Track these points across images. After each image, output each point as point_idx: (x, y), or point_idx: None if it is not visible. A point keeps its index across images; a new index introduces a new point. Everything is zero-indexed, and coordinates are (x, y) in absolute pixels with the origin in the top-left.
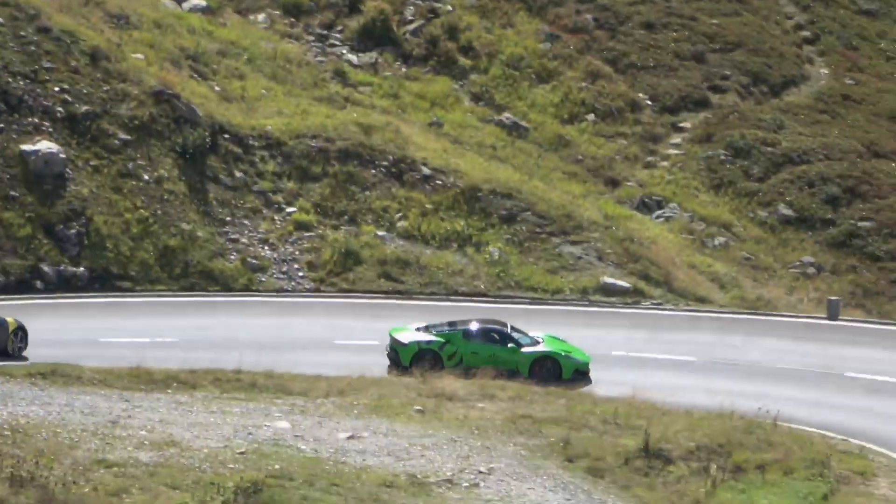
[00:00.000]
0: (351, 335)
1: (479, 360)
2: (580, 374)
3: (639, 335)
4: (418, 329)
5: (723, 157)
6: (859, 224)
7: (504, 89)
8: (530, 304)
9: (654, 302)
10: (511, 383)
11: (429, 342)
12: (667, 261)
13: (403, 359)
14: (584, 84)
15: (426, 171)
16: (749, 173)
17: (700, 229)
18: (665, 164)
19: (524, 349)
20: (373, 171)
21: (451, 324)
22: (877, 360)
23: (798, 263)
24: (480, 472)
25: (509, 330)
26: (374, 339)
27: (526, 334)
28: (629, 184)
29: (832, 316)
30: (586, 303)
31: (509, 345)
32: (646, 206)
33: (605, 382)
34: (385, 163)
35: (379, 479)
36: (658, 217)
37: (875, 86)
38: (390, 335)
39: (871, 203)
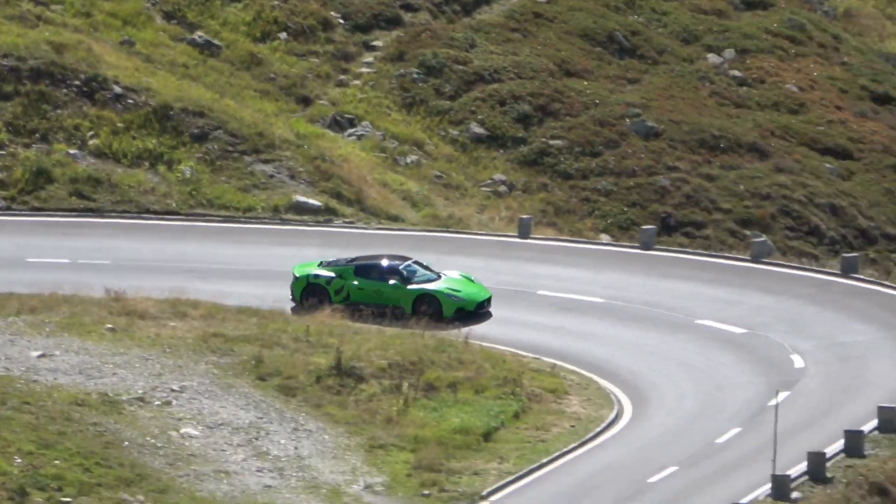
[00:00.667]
0: (42, 253)
1: (364, 296)
2: (466, 313)
3: (331, 253)
4: (321, 263)
5: (415, 76)
6: (550, 142)
7: (196, 8)
8: (223, 222)
9: (346, 220)
10: (204, 301)
11: (317, 276)
12: (359, 179)
13: (294, 293)
14: (276, 3)
15: (118, 89)
16: (441, 92)
17: (392, 148)
18: (357, 82)
19: (411, 286)
20: (64, 89)
21: (351, 259)
22: (568, 279)
23: (490, 182)
24: (172, 391)
25: (412, 265)
26: (65, 258)
27: (430, 270)
28: (321, 102)
29: (524, 234)
30: (278, 221)
31: (392, 281)
32: (338, 125)
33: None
34: (77, 82)
35: (70, 398)
36: (350, 135)
37: (567, 4)
38: (292, 270)
39: (562, 121)
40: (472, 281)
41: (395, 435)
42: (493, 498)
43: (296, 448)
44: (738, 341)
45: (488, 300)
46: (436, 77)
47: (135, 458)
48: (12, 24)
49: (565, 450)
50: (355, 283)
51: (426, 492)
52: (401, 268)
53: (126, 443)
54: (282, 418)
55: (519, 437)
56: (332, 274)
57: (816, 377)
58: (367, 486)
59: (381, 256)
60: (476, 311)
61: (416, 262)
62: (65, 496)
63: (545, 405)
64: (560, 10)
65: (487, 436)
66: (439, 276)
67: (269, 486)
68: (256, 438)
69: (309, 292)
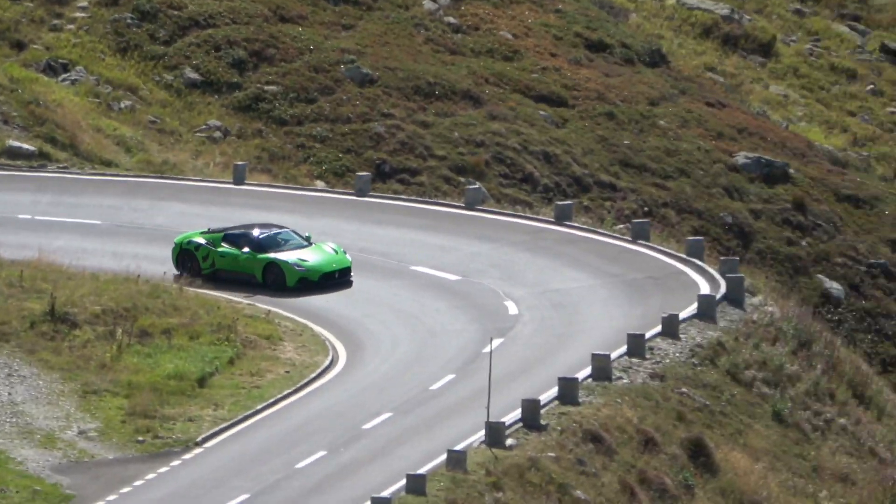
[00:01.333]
0: None
1: (225, 264)
2: (311, 283)
3: (44, 198)
4: (204, 232)
5: (129, 21)
6: (265, 88)
7: None
8: None
9: (60, 166)
10: None
11: (189, 243)
12: (73, 124)
13: (173, 259)
14: None
15: None
16: (155, 37)
17: (106, 93)
18: (71, 27)
19: (262, 254)
20: None
21: (228, 227)
22: (282, 223)
23: (204, 127)
24: None
25: (281, 233)
26: None
27: (303, 240)
28: (35, 47)
29: (238, 180)
30: None
31: (245, 249)
32: (52, 70)
33: (9, 246)
34: None
35: None
36: (64, 80)
37: None
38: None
39: (277, 67)
40: (337, 253)
41: (108, 381)
42: (208, 444)
43: (9, 394)
44: (452, 288)
45: (342, 271)
46: (150, 22)
47: None
48: None
49: (280, 396)
50: (220, 251)
51: (140, 438)
52: (259, 236)
53: None
54: None
55: (234, 382)
56: (203, 241)
57: (530, 324)
58: (82, 432)
59: (253, 225)
60: (322, 282)
61: (292, 232)
62: None
63: (260, 351)
64: None
65: (202, 382)
66: (308, 245)
67: None
68: None
69: (183, 260)
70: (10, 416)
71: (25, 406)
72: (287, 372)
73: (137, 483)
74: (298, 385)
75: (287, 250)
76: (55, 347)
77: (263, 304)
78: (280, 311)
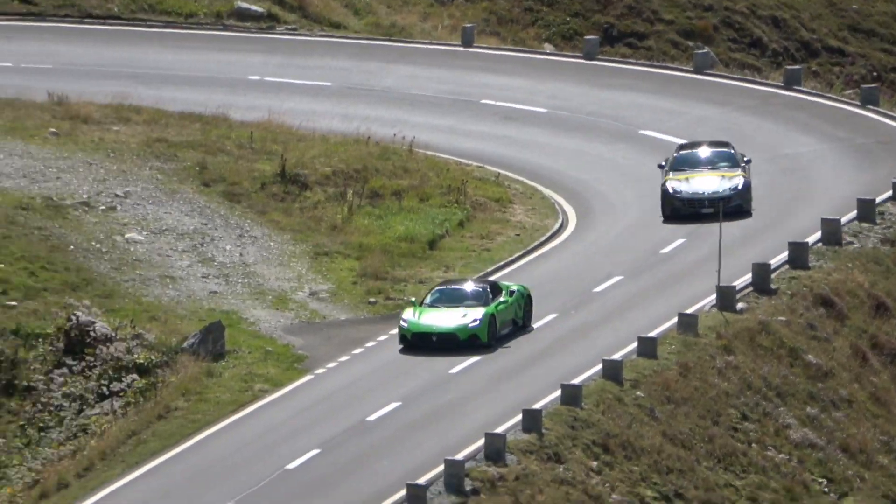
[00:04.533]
0: None
1: None
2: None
3: (274, 60)
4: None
5: None
6: None
7: None
8: (165, 27)
9: (289, 27)
10: (147, 107)
11: None
12: None
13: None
14: None
15: None
16: None
17: None
18: None
19: None
20: None
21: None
22: (511, 88)
23: None
24: (117, 196)
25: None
26: (7, 62)
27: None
28: None
29: (467, 43)
30: (221, 27)
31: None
32: None
33: (239, 108)
34: None
35: (14, 201)
36: None
37: None
38: None
39: None
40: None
41: (339, 242)
42: None
43: (241, 255)
44: None
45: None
46: None
47: (80, 263)
48: None
49: (510, 259)
50: None
51: (371, 299)
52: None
53: (71, 247)
54: (227, 225)
55: (464, 245)
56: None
57: (760, 189)
58: (313, 293)
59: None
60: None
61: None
62: (10, 300)
63: (489, 214)
64: None
65: (432, 244)
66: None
67: (215, 292)
68: (201, 244)
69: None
70: (242, 277)
71: (257, 267)
72: (517, 235)
73: (369, 344)
74: (528, 248)
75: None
76: (286, 209)
77: (492, 166)
78: (509, 174)
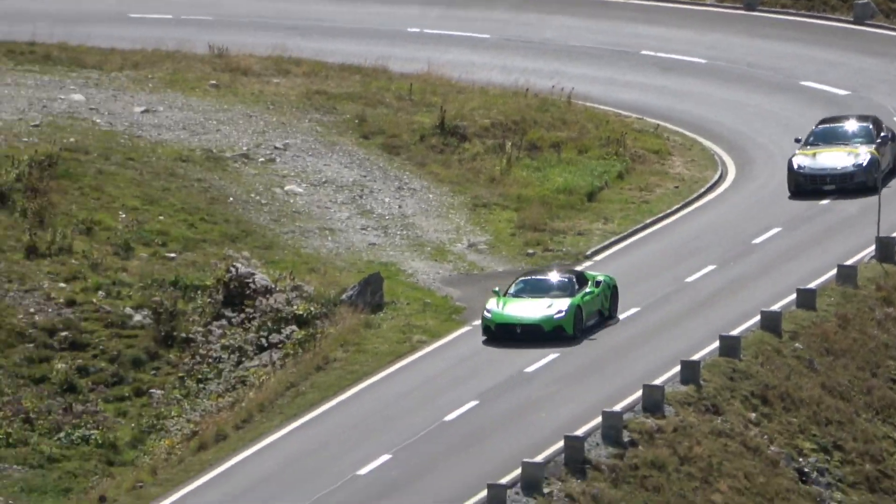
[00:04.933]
0: (145, 9)
1: None
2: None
3: (433, 13)
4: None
5: None
6: None
7: None
8: None
9: None
10: (307, 58)
11: None
12: None
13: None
14: None
15: None
16: None
17: None
18: None
19: None
20: None
21: None
22: (670, 39)
23: None
24: (276, 148)
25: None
26: (167, 13)
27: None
28: None
29: None
30: None
31: None
32: None
33: (399, 59)
34: None
35: (174, 154)
36: None
37: None
38: None
39: None
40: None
41: (498, 194)
42: (597, 258)
43: (400, 206)
44: (841, 102)
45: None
46: None
47: (239, 215)
48: None
49: (669, 210)
50: None
51: (530, 251)
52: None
53: (230, 199)
54: (385, 177)
55: (622, 197)
56: None
57: None
58: (471, 245)
59: None
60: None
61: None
62: (169, 252)
63: (649, 166)
64: None
65: (591, 196)
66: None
67: (374, 244)
68: (360, 196)
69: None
70: (401, 229)
71: (416, 219)
72: (676, 187)
73: None
74: (687, 200)
75: None
76: (445, 161)
77: (651, 118)
78: (668, 126)
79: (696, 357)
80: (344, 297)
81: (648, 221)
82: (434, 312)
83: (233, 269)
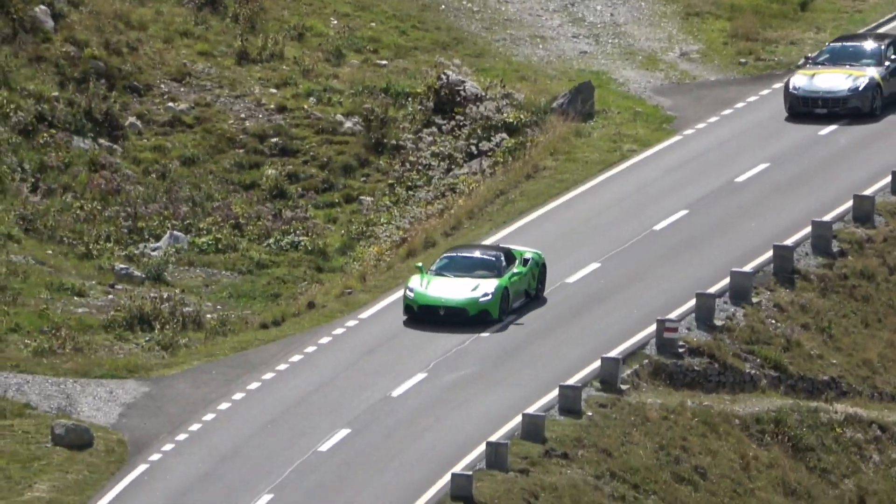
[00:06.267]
0: None
1: None
2: None
3: None
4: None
5: None
6: None
7: None
8: None
9: None
10: None
11: None
12: None
13: None
14: None
15: None
16: None
17: None
18: None
19: None
20: None
21: None
22: None
23: None
24: None
25: None
26: None
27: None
28: None
29: None
30: None
31: None
32: None
33: None
34: None
35: None
36: None
37: None
38: None
39: None
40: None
41: (711, 2)
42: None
43: (612, 15)
44: None
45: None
46: None
47: (451, 22)
48: None
49: (882, 20)
50: None
51: (742, 60)
52: None
53: (442, 7)
54: None
55: (836, 7)
56: None
57: None
58: (683, 54)
59: None
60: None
61: None
62: (381, 59)
63: None
64: None
65: (804, 5)
66: None
67: (585, 52)
68: (573, 5)
69: None
70: (612, 38)
71: (627, 27)
72: None
73: (739, 105)
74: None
75: None
76: None
77: None
78: None
79: None
80: (554, 105)
81: (861, 31)
82: (644, 121)
83: (444, 77)
